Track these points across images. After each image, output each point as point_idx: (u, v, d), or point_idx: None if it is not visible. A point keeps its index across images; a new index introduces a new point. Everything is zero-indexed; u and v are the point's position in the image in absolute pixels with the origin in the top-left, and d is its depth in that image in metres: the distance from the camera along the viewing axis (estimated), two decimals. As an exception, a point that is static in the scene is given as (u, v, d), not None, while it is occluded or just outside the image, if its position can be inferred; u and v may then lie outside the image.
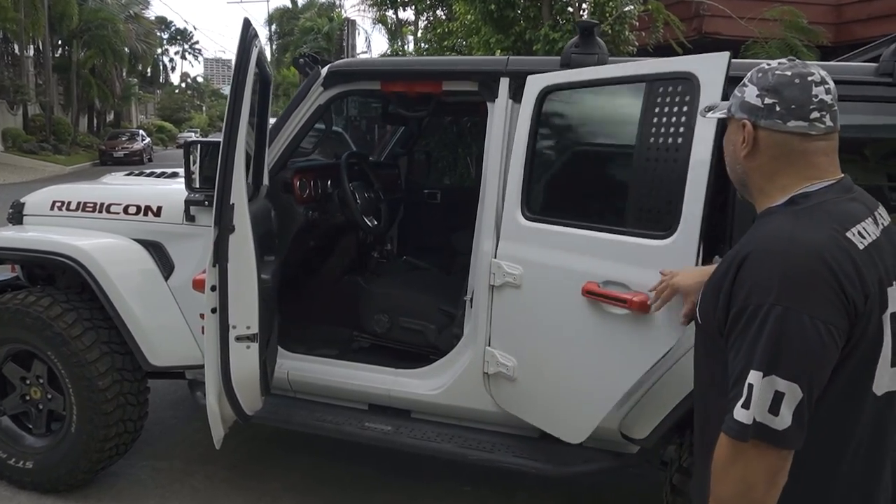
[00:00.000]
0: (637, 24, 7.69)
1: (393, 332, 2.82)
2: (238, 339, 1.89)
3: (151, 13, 40.34)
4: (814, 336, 1.10)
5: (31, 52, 22.96)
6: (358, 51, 27.67)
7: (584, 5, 7.20)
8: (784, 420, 1.10)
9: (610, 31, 7.11)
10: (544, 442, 2.57)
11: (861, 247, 1.18)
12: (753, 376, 1.12)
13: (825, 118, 1.22)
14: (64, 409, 2.84)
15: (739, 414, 1.12)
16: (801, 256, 1.14)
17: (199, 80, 79.43)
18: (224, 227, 1.82)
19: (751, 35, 7.30)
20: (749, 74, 1.31)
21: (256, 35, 1.90)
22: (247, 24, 1.81)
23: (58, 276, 3.10)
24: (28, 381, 2.94)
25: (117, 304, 2.70)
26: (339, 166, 3.02)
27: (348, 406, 2.76)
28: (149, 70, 42.63)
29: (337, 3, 27.01)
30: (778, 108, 1.23)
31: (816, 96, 1.22)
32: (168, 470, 3.22)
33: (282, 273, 2.85)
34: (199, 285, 1.97)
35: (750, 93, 1.27)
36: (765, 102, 1.25)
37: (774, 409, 1.10)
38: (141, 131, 28.53)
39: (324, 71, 2.62)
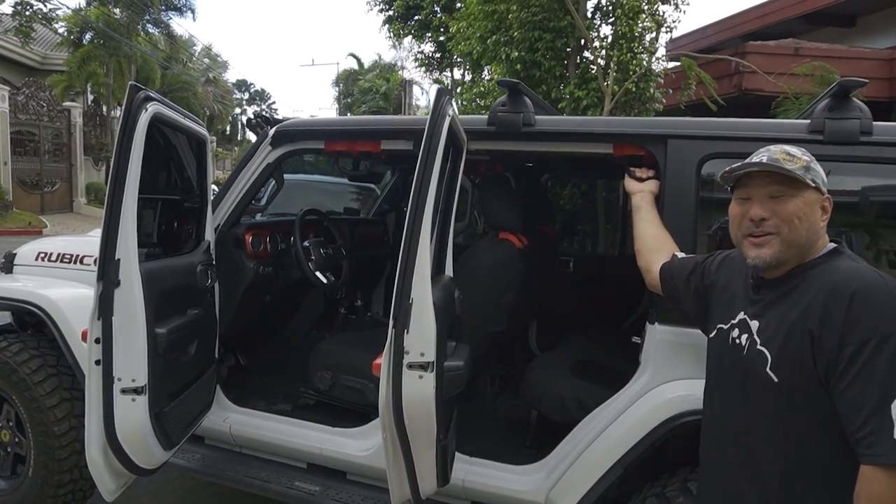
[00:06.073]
0: (662, 81, 7.58)
1: (335, 390, 2.78)
2: (123, 391, 1.91)
3: (232, 76, 42.97)
4: None
5: (118, 113, 24.81)
6: (421, 109, 28.61)
7: (609, 63, 7.16)
8: None
9: (634, 89, 7.05)
10: (474, 512, 2.45)
11: None
12: None
13: None
14: (25, 452, 2.93)
15: None
16: None
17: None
18: (108, 281, 1.88)
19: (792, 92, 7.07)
20: (806, 153, 1.47)
21: (150, 99, 1.99)
22: (132, 89, 1.91)
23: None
24: (0, 425, 3.06)
25: (76, 351, 2.79)
26: (293, 223, 3.07)
27: (287, 463, 2.72)
28: (227, 128, 45.17)
29: (400, 63, 28.16)
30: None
31: None
32: (129, 519, 3.25)
33: (234, 327, 2.90)
34: (86, 337, 2.01)
35: (822, 172, 1.46)
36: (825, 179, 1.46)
37: None
38: (213, 186, 30.12)
39: (271, 131, 2.71)
